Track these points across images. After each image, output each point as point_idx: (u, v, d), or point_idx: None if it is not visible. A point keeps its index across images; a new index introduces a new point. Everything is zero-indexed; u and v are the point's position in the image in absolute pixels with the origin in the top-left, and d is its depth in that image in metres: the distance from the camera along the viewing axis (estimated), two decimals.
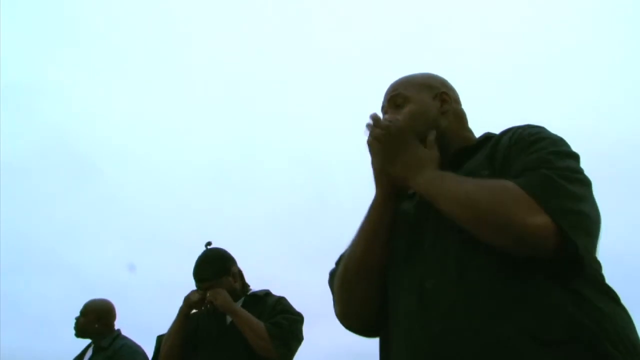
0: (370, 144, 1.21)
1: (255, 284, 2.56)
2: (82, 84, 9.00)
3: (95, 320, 3.26)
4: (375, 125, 1.22)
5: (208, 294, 2.31)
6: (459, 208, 1.03)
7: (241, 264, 2.55)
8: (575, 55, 8.24)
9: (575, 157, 1.10)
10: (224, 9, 9.61)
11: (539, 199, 0.97)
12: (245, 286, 2.51)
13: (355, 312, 1.23)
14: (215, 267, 2.41)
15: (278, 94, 9.62)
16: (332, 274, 1.31)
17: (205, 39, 9.75)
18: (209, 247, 2.49)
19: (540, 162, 1.04)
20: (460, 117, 1.34)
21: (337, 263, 1.31)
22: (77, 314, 3.29)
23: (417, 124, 1.25)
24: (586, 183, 1.06)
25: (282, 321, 2.27)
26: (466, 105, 1.38)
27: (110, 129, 9.24)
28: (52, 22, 8.91)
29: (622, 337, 0.98)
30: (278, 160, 9.43)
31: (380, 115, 1.32)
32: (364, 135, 1.25)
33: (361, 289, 1.20)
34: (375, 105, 1.38)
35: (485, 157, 1.16)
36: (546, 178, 1.01)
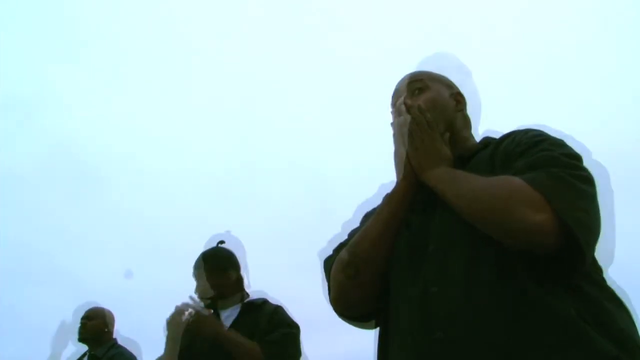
0: (404, 125, 1.21)
1: (255, 293, 2.54)
2: (84, 94, 9.05)
3: (104, 324, 3.25)
4: (408, 110, 1.23)
5: (194, 317, 2.25)
6: (466, 204, 1.05)
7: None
8: (578, 55, 8.24)
9: (580, 158, 1.10)
10: (228, 20, 9.67)
11: (546, 194, 0.97)
12: (244, 295, 2.48)
13: (351, 297, 1.22)
14: (219, 260, 2.44)
15: (280, 103, 9.65)
16: (328, 260, 1.30)
17: (210, 48, 9.80)
18: (220, 244, 2.53)
19: (547, 160, 1.04)
20: (467, 121, 1.37)
21: (336, 250, 1.31)
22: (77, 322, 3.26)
23: (435, 113, 1.26)
24: (591, 182, 1.06)
25: (279, 339, 2.23)
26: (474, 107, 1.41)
27: (113, 137, 9.27)
28: (53, 31, 8.97)
29: (627, 338, 0.98)
30: (279, 169, 9.43)
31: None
32: (390, 126, 1.28)
33: (364, 274, 1.18)
34: (377, 116, 1.41)
35: (486, 160, 1.16)
36: (553, 175, 1.01)
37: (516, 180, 1.01)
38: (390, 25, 9.51)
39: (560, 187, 0.99)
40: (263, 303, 2.42)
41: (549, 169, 1.02)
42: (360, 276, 1.18)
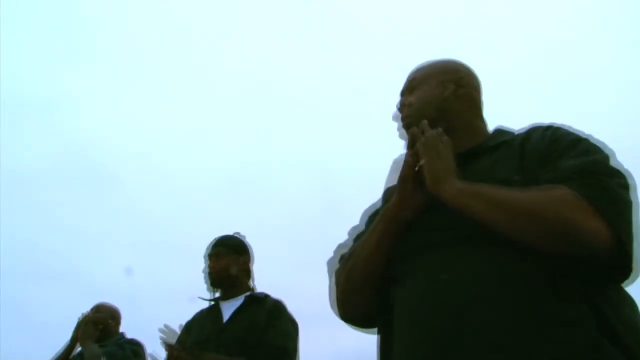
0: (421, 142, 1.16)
1: (263, 288, 2.57)
2: (98, 95, 9.11)
3: (110, 318, 3.26)
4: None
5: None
6: (511, 218, 1.00)
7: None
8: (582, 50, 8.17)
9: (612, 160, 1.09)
10: (241, 16, 9.69)
11: (599, 206, 0.96)
12: (250, 288, 2.51)
13: (353, 304, 1.24)
14: (230, 242, 2.52)
15: (292, 100, 9.66)
16: (332, 265, 1.32)
17: (222, 48, 9.85)
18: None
19: (594, 166, 1.02)
20: (473, 104, 1.32)
21: (338, 253, 1.32)
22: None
23: (425, 107, 1.28)
24: (630, 190, 1.05)
25: (276, 339, 2.24)
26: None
27: (126, 137, 9.33)
28: (67, 35, 9.04)
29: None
30: (289, 166, 9.44)
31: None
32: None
33: (364, 288, 1.20)
34: (387, 114, 1.41)
35: (515, 160, 1.12)
36: (604, 185, 0.99)
37: (568, 193, 0.98)
38: (397, 27, 9.48)
39: (611, 198, 0.99)
40: (265, 297, 2.43)
41: (599, 177, 1.00)
42: (360, 291, 1.21)
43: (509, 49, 8.74)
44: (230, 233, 2.63)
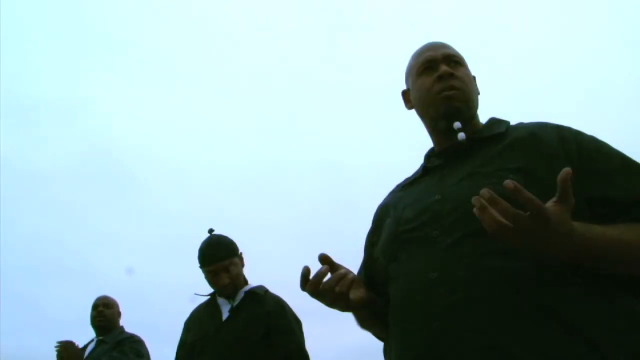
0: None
1: (274, 286, 2.49)
2: (122, 96, 9.22)
3: (118, 313, 3.35)
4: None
5: None
6: (620, 262, 0.97)
7: (263, 266, 2.66)
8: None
9: None
10: (261, 16, 9.73)
11: None
12: (246, 280, 2.44)
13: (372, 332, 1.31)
14: (228, 247, 2.36)
15: (306, 100, 9.67)
16: None
17: (241, 50, 9.92)
18: (212, 233, 2.43)
19: None
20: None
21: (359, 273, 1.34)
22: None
23: (472, 90, 1.24)
24: None
25: (284, 340, 2.21)
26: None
27: (148, 139, 9.45)
28: (89, 37, 9.19)
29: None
30: (305, 165, 9.44)
31: (425, 68, 1.26)
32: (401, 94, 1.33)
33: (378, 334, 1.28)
34: (400, 113, 1.37)
35: (516, 158, 1.07)
36: None
37: None
38: (406, 29, 9.45)
39: None
40: (264, 293, 2.36)
41: None
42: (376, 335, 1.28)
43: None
44: (216, 234, 2.44)
